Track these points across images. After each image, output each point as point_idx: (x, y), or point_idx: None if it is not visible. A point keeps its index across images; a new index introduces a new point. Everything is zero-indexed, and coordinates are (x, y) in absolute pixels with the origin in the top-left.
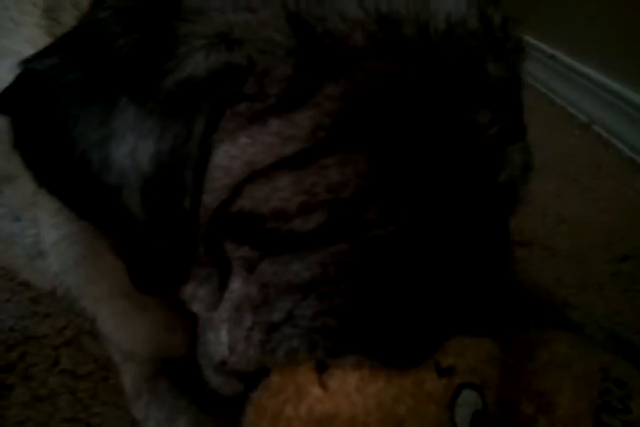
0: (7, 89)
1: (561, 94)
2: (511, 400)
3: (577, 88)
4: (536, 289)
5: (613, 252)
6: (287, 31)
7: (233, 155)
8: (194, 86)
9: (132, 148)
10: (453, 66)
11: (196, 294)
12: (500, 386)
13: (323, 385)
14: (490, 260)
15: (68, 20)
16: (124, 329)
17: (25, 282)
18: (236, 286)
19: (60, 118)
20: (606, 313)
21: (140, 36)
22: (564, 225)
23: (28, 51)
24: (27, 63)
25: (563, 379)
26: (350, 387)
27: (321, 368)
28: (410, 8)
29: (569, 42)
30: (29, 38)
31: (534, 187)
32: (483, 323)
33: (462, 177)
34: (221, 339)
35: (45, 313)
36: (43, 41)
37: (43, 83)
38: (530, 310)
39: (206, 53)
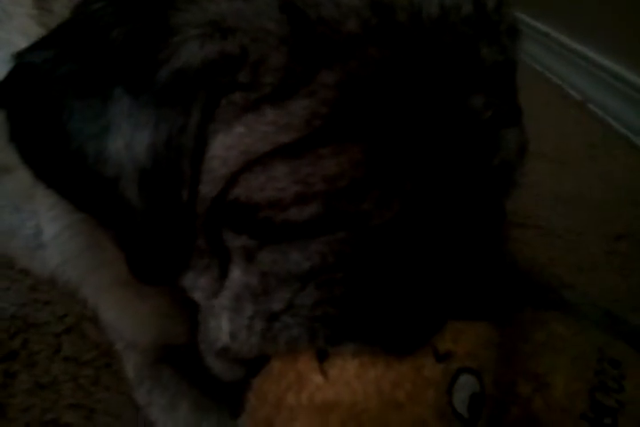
0: (2, 83)
1: (556, 73)
2: (508, 382)
3: (571, 66)
4: (532, 270)
5: (608, 231)
6: (281, 19)
7: (229, 144)
8: (188, 76)
9: (128, 139)
10: (447, 51)
11: (196, 283)
12: (497, 368)
13: (323, 373)
14: (486, 243)
15: (60, 9)
16: (125, 318)
17: (24, 270)
18: (236, 275)
19: (55, 111)
20: (601, 292)
21: (133, 27)
22: (559, 205)
23: (21, 41)
24: (21, 56)
25: (558, 360)
26: (350, 374)
27: (321, 356)
28: None
29: (563, 20)
30: (21, 29)
31: (529, 166)
32: (479, 307)
33: (457, 161)
34: (222, 326)
35: (45, 300)
36: (35, 31)
37: (37, 76)
38: (526, 290)
39: (200, 43)
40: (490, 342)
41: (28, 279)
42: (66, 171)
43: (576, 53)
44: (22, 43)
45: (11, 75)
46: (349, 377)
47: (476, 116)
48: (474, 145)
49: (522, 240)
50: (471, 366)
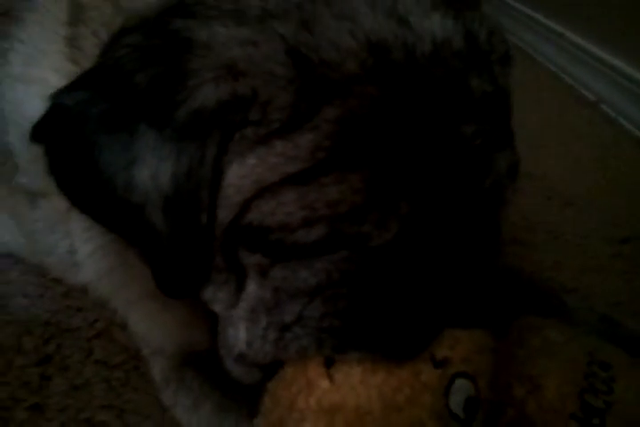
0: (40, 121)
1: (570, 73)
2: (504, 384)
3: (585, 67)
4: (536, 275)
5: (615, 234)
6: (287, 63)
7: (242, 174)
8: (205, 115)
9: (153, 170)
10: (439, 85)
11: (216, 296)
12: (493, 372)
13: (330, 378)
14: (481, 257)
15: (89, 47)
16: (153, 328)
17: (56, 278)
18: (252, 289)
19: (87, 147)
20: (603, 295)
21: (155, 72)
22: (569, 208)
23: (54, 77)
24: (56, 97)
25: (551, 364)
26: (355, 380)
27: (328, 363)
28: (398, 34)
29: (578, 21)
30: (54, 66)
31: (541, 169)
32: (475, 316)
33: (451, 184)
34: (240, 335)
35: (77, 307)
36: (67, 68)
37: (71, 116)
38: (528, 296)
39: (215, 85)
40: (485, 348)
41: (60, 287)
42: (98, 199)
43: (590, 55)
44: (55, 79)
45: (48, 114)
46: (354, 382)
47: (467, 143)
48: (466, 169)
49: (531, 244)
50: (466, 371)
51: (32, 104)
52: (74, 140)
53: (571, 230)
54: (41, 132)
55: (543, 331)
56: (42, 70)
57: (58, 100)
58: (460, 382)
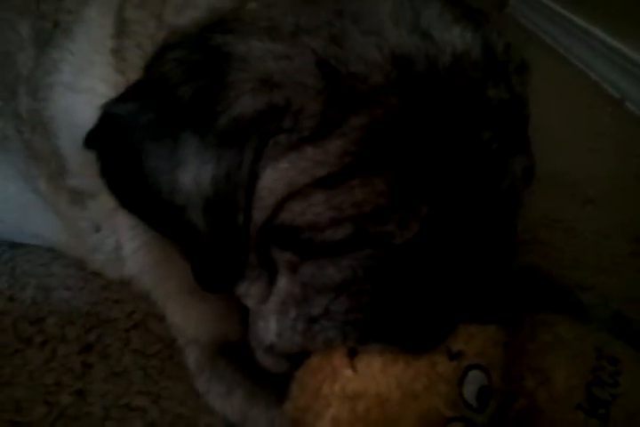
0: (93, 129)
1: (595, 70)
2: (516, 376)
3: (610, 64)
4: (553, 273)
5: (633, 232)
6: (317, 75)
7: (276, 178)
8: (243, 123)
9: (195, 174)
10: (458, 94)
11: (249, 291)
12: (506, 364)
13: (353, 368)
14: (497, 256)
15: (134, 58)
16: (189, 319)
17: (95, 271)
18: (282, 284)
19: (136, 153)
20: (619, 292)
21: (198, 85)
22: (590, 206)
23: (101, 87)
24: (108, 107)
25: (560, 357)
26: (375, 369)
27: (352, 353)
28: (420, 46)
29: (602, 17)
30: (101, 76)
31: (564, 166)
32: (489, 313)
33: (469, 186)
34: (270, 327)
35: (115, 299)
36: (113, 78)
37: (121, 124)
38: (544, 293)
39: (252, 96)
40: (498, 342)
41: (99, 280)
42: (144, 200)
43: (615, 51)
44: (102, 88)
45: (100, 123)
46: (375, 372)
47: (484, 148)
48: (483, 172)
49: (550, 243)
50: (480, 364)
51: (81, 112)
52: (124, 147)
53: (590, 228)
54: (93, 138)
55: (554, 327)
56: (90, 80)
57: (109, 110)
58: (473, 374)
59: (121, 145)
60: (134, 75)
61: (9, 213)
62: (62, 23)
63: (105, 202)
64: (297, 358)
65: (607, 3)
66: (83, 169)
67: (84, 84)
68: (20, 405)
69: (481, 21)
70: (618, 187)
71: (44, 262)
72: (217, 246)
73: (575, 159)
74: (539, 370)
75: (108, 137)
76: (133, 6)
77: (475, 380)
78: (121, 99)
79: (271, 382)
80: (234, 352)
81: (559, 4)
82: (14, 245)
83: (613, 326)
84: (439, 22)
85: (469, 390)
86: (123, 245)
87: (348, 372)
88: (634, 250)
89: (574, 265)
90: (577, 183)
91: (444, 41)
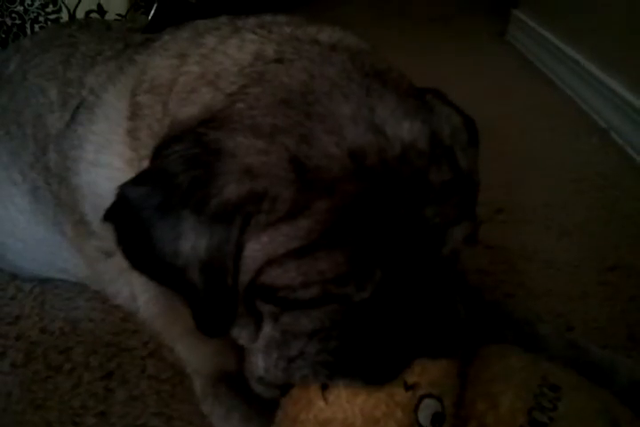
0: (111, 206)
1: (584, 99)
2: (469, 401)
3: (598, 95)
4: (513, 307)
5: (604, 262)
6: (289, 168)
7: (257, 249)
8: (230, 206)
9: (193, 243)
10: (405, 180)
11: (240, 334)
12: (460, 391)
13: (325, 399)
14: (447, 300)
15: (145, 138)
16: (194, 355)
17: (115, 304)
18: (266, 330)
19: (145, 227)
20: (585, 320)
21: (193, 175)
22: (565, 237)
23: (117, 162)
24: (123, 188)
25: (508, 384)
26: (343, 400)
27: (324, 387)
28: (373, 141)
29: (592, 50)
30: (118, 152)
31: (544, 198)
32: (441, 349)
33: (414, 255)
34: (259, 363)
35: (133, 330)
36: (127, 155)
37: (134, 205)
38: (503, 326)
39: (237, 185)
40: (451, 373)
41: (118, 312)
42: (152, 263)
43: (601, 83)
44: (118, 163)
45: (116, 202)
46: (342, 401)
47: (427, 223)
48: (426, 242)
49: (525, 273)
50: (432, 393)
51: (101, 184)
52: (135, 222)
53: (564, 259)
54: (111, 214)
55: (505, 358)
56: (109, 156)
57: (124, 192)
58: (427, 402)
59: (133, 220)
60: (145, 151)
61: (41, 253)
62: (86, 102)
63: (121, 261)
64: (285, 387)
65: (599, 39)
66: (103, 233)
67: (104, 160)
68: (52, 425)
69: (430, 111)
70: (592, 218)
71: (70, 296)
72: (212, 300)
73: (556, 189)
74: (488, 395)
75: (123, 214)
76: (143, 91)
77: (428, 407)
78: (133, 182)
79: (264, 406)
80: (232, 380)
81: (554, 35)
82: (43, 281)
83: (568, 355)
84: (391, 118)
85: (424, 416)
86: (137, 296)
87: (321, 402)
88: (603, 280)
89: (546, 294)
90: (555, 215)
91: (395, 135)
